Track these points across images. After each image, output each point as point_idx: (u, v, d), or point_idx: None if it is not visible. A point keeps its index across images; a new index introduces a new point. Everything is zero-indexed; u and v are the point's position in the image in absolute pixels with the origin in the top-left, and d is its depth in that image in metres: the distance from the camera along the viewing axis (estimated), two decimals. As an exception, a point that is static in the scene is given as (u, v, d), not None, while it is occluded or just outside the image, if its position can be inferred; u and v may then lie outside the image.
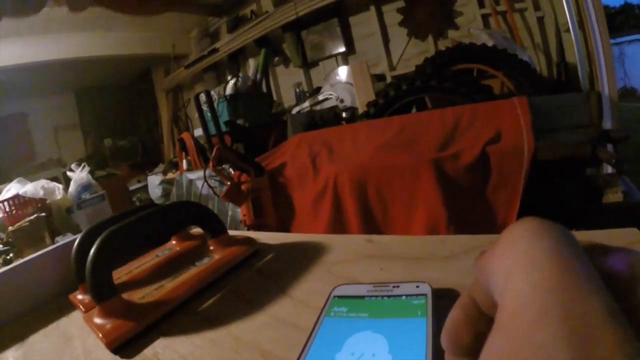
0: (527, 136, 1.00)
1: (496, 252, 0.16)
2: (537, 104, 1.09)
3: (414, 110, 1.73)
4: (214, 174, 1.27)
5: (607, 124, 1.63)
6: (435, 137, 1.13)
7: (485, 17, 2.54)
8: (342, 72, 2.33)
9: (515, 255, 0.14)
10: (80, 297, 0.42)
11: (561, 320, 0.11)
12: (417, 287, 0.29)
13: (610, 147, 1.05)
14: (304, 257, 0.43)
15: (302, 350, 0.25)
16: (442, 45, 2.63)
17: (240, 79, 2.70)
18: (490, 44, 1.92)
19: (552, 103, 1.14)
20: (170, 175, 2.68)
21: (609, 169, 1.57)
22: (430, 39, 2.75)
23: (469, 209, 1.06)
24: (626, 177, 1.12)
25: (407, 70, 2.51)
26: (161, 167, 3.45)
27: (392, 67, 2.92)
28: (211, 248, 0.46)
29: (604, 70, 1.86)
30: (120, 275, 0.45)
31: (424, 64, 1.95)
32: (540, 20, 2.42)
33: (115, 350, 0.33)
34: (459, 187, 1.05)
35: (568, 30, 2.04)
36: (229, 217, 1.48)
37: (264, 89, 2.90)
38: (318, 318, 0.28)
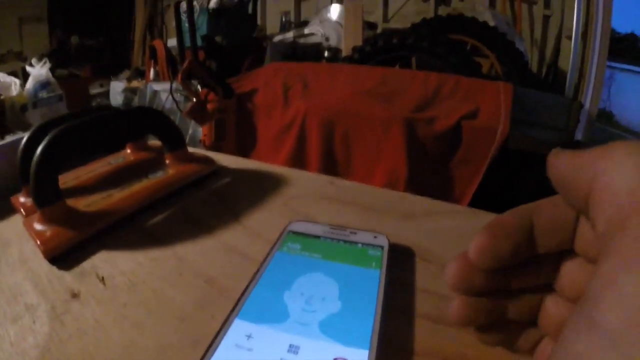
0: (503, 122, 1.01)
1: (612, 153, 0.13)
2: (520, 95, 1.10)
3: (397, 67, 1.69)
4: (180, 87, 1.21)
5: (578, 136, 1.69)
6: (415, 97, 1.12)
7: (493, -2, 2.51)
8: (335, 11, 2.23)
9: None
10: (22, 199, 0.38)
11: None
12: (375, 237, 0.28)
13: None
14: (262, 186, 0.42)
15: (250, 283, 0.24)
16: (443, 11, 2.58)
17: (227, -6, 2.51)
18: (491, 24, 1.90)
19: (536, 99, 1.15)
20: (135, 84, 2.53)
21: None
22: (432, 1, 2.68)
23: (431, 175, 1.08)
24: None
25: (401, 26, 2.43)
26: (127, 73, 3.23)
27: (386, 19, 2.82)
28: (167, 162, 0.43)
29: (592, 86, 1.89)
30: (67, 179, 0.41)
31: (420, 24, 1.90)
32: (547, 18, 2.44)
33: (52, 260, 0.30)
34: (426, 152, 1.06)
35: (570, 37, 2.06)
36: (188, 136, 1.42)
37: (250, 10, 2.73)
38: (270, 251, 0.27)
